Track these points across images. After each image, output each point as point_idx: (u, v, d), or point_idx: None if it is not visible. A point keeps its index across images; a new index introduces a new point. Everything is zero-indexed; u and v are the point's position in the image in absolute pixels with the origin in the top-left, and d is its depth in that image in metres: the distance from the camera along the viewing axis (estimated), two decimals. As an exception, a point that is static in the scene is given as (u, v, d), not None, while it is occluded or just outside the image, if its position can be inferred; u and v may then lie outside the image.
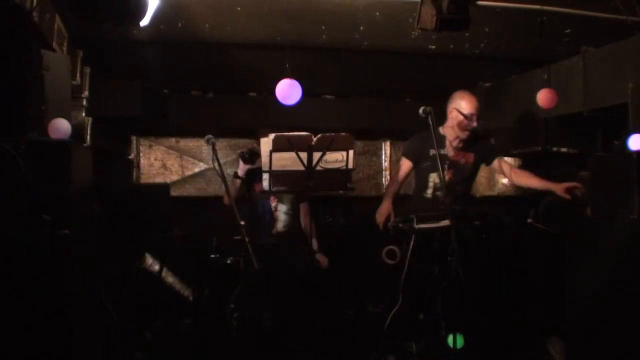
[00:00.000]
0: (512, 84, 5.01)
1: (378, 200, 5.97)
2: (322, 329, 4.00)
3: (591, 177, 3.23)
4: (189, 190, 5.65)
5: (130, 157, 5.55)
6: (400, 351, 3.70)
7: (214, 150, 3.39)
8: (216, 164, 3.36)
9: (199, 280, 4.34)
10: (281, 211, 4.36)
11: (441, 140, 3.84)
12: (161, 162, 5.63)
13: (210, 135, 3.45)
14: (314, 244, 4.35)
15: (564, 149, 4.72)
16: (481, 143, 3.93)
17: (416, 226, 3.49)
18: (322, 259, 4.36)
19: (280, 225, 4.35)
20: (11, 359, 2.33)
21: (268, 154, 3.30)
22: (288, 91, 4.01)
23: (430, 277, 3.47)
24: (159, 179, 5.57)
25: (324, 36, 3.82)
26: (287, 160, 3.32)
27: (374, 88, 5.59)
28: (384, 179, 6.11)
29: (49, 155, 2.51)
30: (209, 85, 5.42)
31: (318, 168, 3.36)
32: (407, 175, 4.04)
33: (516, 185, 3.99)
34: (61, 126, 2.69)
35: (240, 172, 4.28)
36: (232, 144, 5.63)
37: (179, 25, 3.55)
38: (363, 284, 4.83)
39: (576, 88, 4.17)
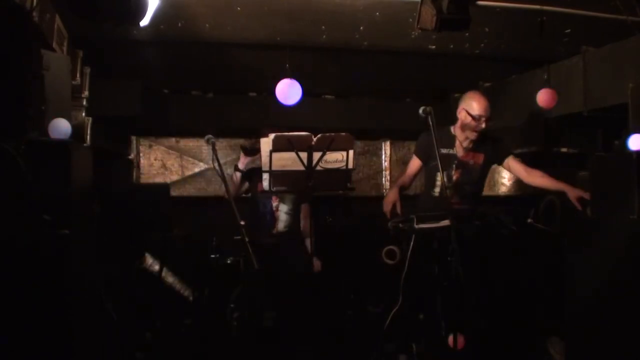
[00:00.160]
0: (512, 84, 5.01)
1: (378, 200, 6.00)
2: (322, 329, 4.00)
3: (591, 177, 3.23)
4: (189, 190, 5.65)
5: (130, 157, 5.55)
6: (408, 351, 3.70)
7: (214, 150, 3.39)
8: (216, 164, 3.36)
9: (199, 280, 4.34)
10: (282, 211, 4.36)
11: (451, 140, 3.84)
12: (161, 162, 5.63)
13: (210, 135, 3.45)
14: (309, 246, 4.35)
15: (564, 149, 4.72)
16: (492, 144, 3.90)
17: (416, 226, 3.49)
18: (315, 263, 4.36)
19: (281, 225, 4.35)
20: (11, 359, 2.33)
21: (268, 154, 3.30)
22: (288, 91, 4.01)
23: (430, 277, 3.47)
24: (159, 179, 5.57)
25: (324, 36, 3.83)
26: (287, 160, 3.32)
27: (374, 88, 5.59)
28: (384, 179, 6.11)
29: (49, 155, 2.51)
30: (209, 85, 5.43)
31: (318, 168, 3.36)
32: (417, 173, 4.02)
33: (529, 184, 3.95)
34: (61, 126, 2.69)
35: (241, 165, 4.28)
36: (232, 144, 5.63)
37: (179, 25, 3.55)
38: (363, 284, 4.83)
39: (576, 88, 4.17)
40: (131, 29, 3.50)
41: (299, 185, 3.45)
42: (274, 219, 4.37)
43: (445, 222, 3.25)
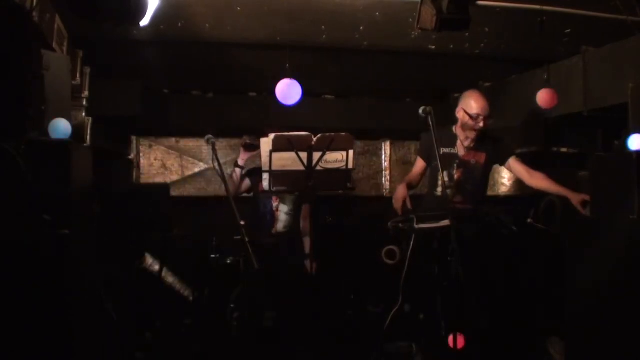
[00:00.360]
0: (512, 84, 5.01)
1: (378, 200, 6.02)
2: (322, 329, 4.00)
3: (591, 177, 3.23)
4: (189, 190, 5.65)
5: (130, 157, 5.55)
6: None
7: (214, 150, 3.39)
8: (216, 164, 3.36)
9: (199, 280, 4.34)
10: (282, 211, 4.36)
11: (453, 140, 3.84)
12: (161, 162, 5.63)
13: (210, 135, 3.46)
14: (307, 247, 4.34)
15: (564, 149, 4.72)
16: (494, 143, 3.90)
17: (416, 226, 3.49)
18: (311, 264, 4.35)
19: (280, 225, 4.35)
20: (11, 359, 2.33)
21: (268, 154, 3.30)
22: (288, 91, 4.01)
23: (430, 277, 3.47)
24: (159, 179, 5.57)
25: (324, 36, 3.83)
26: (287, 160, 3.32)
27: (374, 88, 5.59)
28: (384, 179, 6.11)
29: (49, 155, 2.50)
30: (209, 85, 5.42)
31: (318, 168, 3.36)
32: (423, 173, 4.01)
33: (531, 186, 3.95)
34: (61, 126, 2.69)
35: (241, 162, 4.28)
36: (232, 144, 5.63)
37: (179, 25, 3.55)
38: (363, 284, 4.82)
39: (576, 88, 4.17)
40: (131, 29, 3.50)
41: (299, 185, 3.45)
42: (274, 219, 4.37)
43: (445, 222, 3.25)
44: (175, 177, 5.62)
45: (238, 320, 3.97)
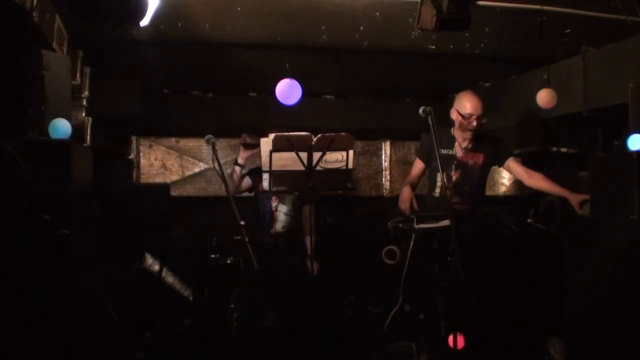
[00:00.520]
0: (512, 84, 5.01)
1: (378, 200, 6.02)
2: (322, 329, 3.99)
3: (591, 177, 3.23)
4: (189, 190, 5.65)
5: (130, 157, 5.55)
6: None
7: (214, 150, 3.39)
8: (216, 164, 3.37)
9: (199, 280, 4.35)
10: (281, 212, 4.36)
11: (451, 141, 3.85)
12: (161, 162, 5.63)
13: (210, 135, 3.46)
14: (309, 248, 4.34)
15: (564, 149, 4.72)
16: (493, 144, 3.90)
17: (416, 226, 3.49)
18: (314, 265, 4.35)
19: (279, 225, 4.35)
20: (11, 359, 2.33)
21: (268, 154, 3.30)
22: (288, 91, 4.01)
23: (430, 277, 3.47)
24: (159, 179, 5.57)
25: (324, 36, 3.82)
26: (287, 160, 3.32)
27: (374, 88, 5.59)
28: (384, 178, 6.11)
29: (49, 155, 2.50)
30: (209, 85, 5.42)
31: (318, 168, 3.36)
32: (421, 174, 4.02)
33: (530, 187, 3.95)
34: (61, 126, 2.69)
35: (240, 160, 4.28)
36: (232, 144, 5.63)
37: (179, 25, 3.55)
38: (363, 284, 4.82)
39: (576, 88, 4.17)
40: (131, 29, 3.50)
41: (299, 185, 3.46)
42: (273, 219, 4.37)
43: (445, 222, 3.25)
44: (175, 177, 5.63)
45: (238, 320, 3.97)
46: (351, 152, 3.39)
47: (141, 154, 5.59)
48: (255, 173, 4.28)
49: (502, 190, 5.80)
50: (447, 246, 3.17)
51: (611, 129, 4.29)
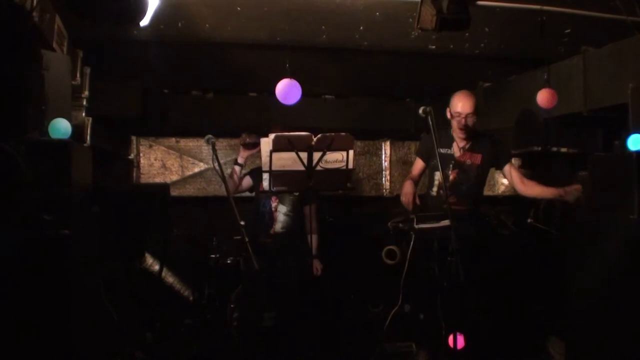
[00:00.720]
0: (512, 84, 5.01)
1: (378, 200, 6.02)
2: (322, 328, 4.00)
3: (591, 177, 3.23)
4: (189, 190, 5.65)
5: (130, 157, 5.55)
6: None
7: (214, 150, 3.39)
8: (216, 164, 3.37)
9: (199, 280, 4.35)
10: (281, 212, 4.36)
11: (450, 141, 3.86)
12: (161, 162, 5.63)
13: (210, 135, 3.46)
14: (315, 248, 4.34)
15: (564, 149, 4.72)
16: (492, 145, 3.91)
17: (416, 226, 3.49)
18: (317, 265, 4.36)
19: (278, 226, 4.35)
20: (11, 359, 2.33)
21: (268, 154, 3.30)
22: (288, 91, 4.01)
23: (430, 277, 3.47)
24: (159, 179, 5.57)
25: (324, 36, 3.82)
26: (287, 160, 3.32)
27: (374, 88, 5.59)
28: (384, 178, 6.11)
29: (49, 155, 2.50)
30: (209, 85, 5.42)
31: (318, 168, 3.36)
32: (422, 173, 4.03)
33: (525, 195, 3.95)
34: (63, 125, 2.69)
35: (240, 159, 4.29)
36: (232, 144, 5.63)
37: (179, 25, 3.55)
38: (363, 284, 4.83)
39: (576, 88, 4.17)
40: (131, 29, 3.50)
41: (299, 185, 3.46)
42: (273, 219, 4.37)
43: (445, 222, 3.25)
44: (175, 177, 5.63)
45: (238, 320, 3.97)
46: (351, 152, 3.39)
47: (141, 154, 5.59)
48: (256, 173, 4.28)
49: (502, 190, 5.81)
50: (447, 246, 3.18)
51: (611, 129, 4.29)
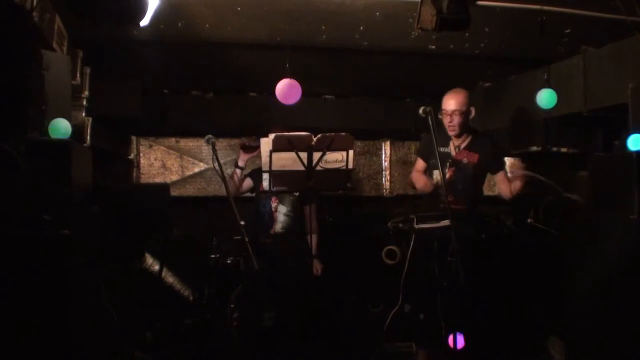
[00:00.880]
0: (512, 84, 5.01)
1: (378, 200, 6.02)
2: (322, 329, 4.00)
3: (591, 177, 3.23)
4: (189, 190, 5.65)
5: (130, 157, 5.55)
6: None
7: (214, 150, 3.39)
8: (216, 164, 3.37)
9: (199, 280, 4.35)
10: (281, 212, 4.36)
11: (447, 140, 3.87)
12: (161, 162, 5.63)
13: (210, 135, 3.46)
14: (315, 248, 4.34)
15: (564, 149, 4.72)
16: (491, 146, 3.90)
17: (416, 226, 3.49)
18: (317, 265, 4.36)
19: (278, 226, 4.35)
20: (11, 358, 2.33)
21: (268, 154, 3.30)
22: (288, 91, 4.01)
23: (430, 277, 3.47)
24: (159, 179, 5.57)
25: (324, 36, 3.82)
26: (287, 160, 3.32)
27: (374, 88, 5.59)
28: (384, 178, 6.11)
29: (49, 155, 2.50)
30: (209, 85, 5.42)
31: (318, 168, 3.36)
32: (423, 172, 4.04)
33: (511, 197, 3.94)
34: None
35: (241, 162, 4.29)
36: (232, 144, 5.63)
37: (179, 25, 3.55)
38: (363, 284, 4.83)
39: (576, 88, 4.17)
40: (131, 29, 3.50)
41: (299, 185, 3.46)
42: (273, 219, 4.37)
43: (445, 222, 3.25)
44: (175, 177, 5.63)
45: (238, 320, 3.97)
46: (351, 152, 3.39)
47: (141, 154, 5.60)
48: (256, 174, 4.28)
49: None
50: (447, 246, 3.18)
51: (611, 129, 4.29)
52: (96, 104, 4.02)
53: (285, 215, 4.35)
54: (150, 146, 5.62)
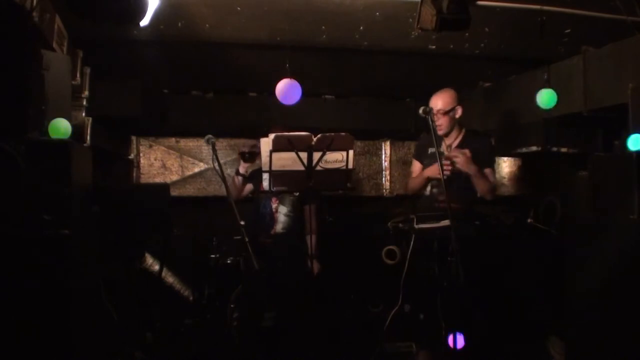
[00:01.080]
0: (512, 84, 5.01)
1: (378, 200, 6.02)
2: (322, 329, 4.00)
3: (591, 177, 3.23)
4: (189, 190, 5.65)
5: (130, 157, 5.55)
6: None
7: (214, 150, 3.39)
8: (216, 164, 3.37)
9: (199, 280, 4.35)
10: (281, 213, 4.36)
11: (439, 139, 3.86)
12: (161, 162, 5.63)
13: (210, 135, 3.46)
14: (314, 248, 4.33)
15: (564, 149, 4.72)
16: (480, 143, 3.89)
17: (416, 226, 3.49)
18: (316, 265, 4.35)
19: (279, 227, 4.35)
20: (11, 358, 2.33)
21: (268, 154, 3.30)
22: (288, 91, 4.01)
23: (430, 277, 3.47)
24: (159, 179, 5.57)
25: (324, 36, 3.82)
26: (287, 160, 3.32)
27: (374, 88, 5.59)
28: (384, 178, 6.11)
29: (49, 155, 2.51)
30: (209, 85, 5.42)
31: (318, 168, 3.36)
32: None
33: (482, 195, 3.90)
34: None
35: (242, 170, 4.29)
36: (232, 144, 5.63)
37: (179, 25, 3.55)
38: (363, 284, 4.83)
39: (576, 88, 4.17)
40: (131, 29, 3.50)
41: (299, 185, 3.46)
42: (273, 220, 4.37)
43: (445, 222, 3.25)
44: (175, 177, 5.62)
45: (238, 320, 3.97)
46: (351, 152, 3.39)
47: (141, 154, 5.59)
48: (256, 174, 4.28)
49: (502, 190, 5.80)
50: (447, 246, 3.18)
51: (611, 129, 4.29)
52: (96, 104, 4.02)
53: (286, 215, 4.35)
54: (150, 146, 5.61)
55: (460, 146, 3.83)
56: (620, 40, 3.78)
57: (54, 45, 3.16)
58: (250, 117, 5.48)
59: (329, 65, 4.67)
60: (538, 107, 4.18)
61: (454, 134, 3.83)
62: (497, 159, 5.72)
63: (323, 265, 4.38)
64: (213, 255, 4.20)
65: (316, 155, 3.34)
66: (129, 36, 3.65)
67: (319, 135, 3.31)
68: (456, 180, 3.80)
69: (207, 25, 3.60)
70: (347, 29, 3.73)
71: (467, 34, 3.70)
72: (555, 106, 4.13)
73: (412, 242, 3.53)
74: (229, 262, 4.20)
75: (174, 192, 5.44)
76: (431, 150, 3.81)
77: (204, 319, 4.15)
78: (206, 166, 5.64)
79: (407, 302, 3.70)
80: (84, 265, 2.81)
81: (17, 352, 2.32)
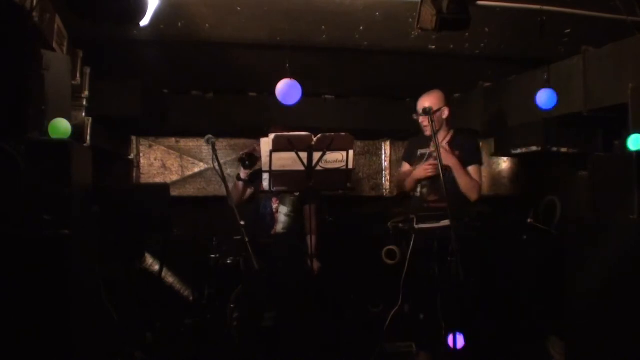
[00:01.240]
0: (512, 84, 5.01)
1: (378, 200, 6.02)
2: (322, 329, 4.00)
3: (591, 177, 3.24)
4: (189, 190, 5.65)
5: (130, 157, 5.55)
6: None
7: (214, 150, 3.39)
8: (216, 164, 3.37)
9: (199, 280, 4.35)
10: (282, 213, 4.36)
11: (427, 140, 3.86)
12: (161, 162, 5.63)
13: (210, 135, 3.46)
14: (313, 246, 4.33)
15: (564, 149, 4.72)
16: (467, 142, 3.87)
17: (416, 226, 3.49)
18: (315, 265, 4.35)
19: (279, 227, 4.35)
20: (11, 358, 2.33)
21: (268, 154, 3.30)
22: (288, 91, 4.01)
23: (430, 277, 3.47)
24: (159, 179, 5.57)
25: (324, 36, 3.82)
26: (287, 160, 3.32)
27: (374, 88, 5.59)
28: (384, 178, 6.11)
29: (49, 155, 2.51)
30: (209, 85, 5.42)
31: (318, 168, 3.36)
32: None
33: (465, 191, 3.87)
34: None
35: (243, 175, 4.29)
36: (232, 144, 5.63)
37: (179, 25, 3.55)
38: (363, 284, 4.83)
39: (576, 88, 4.17)
40: (131, 29, 3.50)
41: (299, 185, 3.45)
42: (274, 220, 4.37)
43: (445, 222, 3.25)
44: (175, 177, 5.62)
45: (238, 320, 3.97)
46: (351, 152, 3.39)
47: (141, 154, 5.59)
48: (256, 176, 4.28)
49: (502, 190, 5.80)
50: (447, 246, 3.18)
51: (611, 129, 4.30)
52: (96, 104, 4.02)
53: (286, 215, 4.35)
54: (150, 146, 5.62)
55: (449, 146, 3.83)
56: (620, 40, 3.78)
57: (54, 45, 3.16)
58: (250, 117, 5.48)
59: (329, 65, 4.66)
60: (538, 107, 4.18)
61: (442, 134, 3.82)
62: (497, 159, 5.73)
63: (323, 265, 4.38)
64: (213, 255, 4.20)
65: (316, 155, 3.34)
66: (129, 36, 3.65)
67: (319, 135, 3.31)
68: (445, 181, 3.78)
69: (207, 25, 3.60)
70: (347, 29, 3.73)
71: (467, 34, 3.70)
72: (555, 106, 4.13)
73: (412, 242, 3.53)
74: (229, 262, 4.20)
75: (174, 192, 5.44)
76: (420, 151, 3.83)
77: (204, 319, 4.15)
78: (206, 166, 5.64)
79: (407, 302, 3.70)
80: (84, 265, 2.81)
81: (17, 352, 2.32)
